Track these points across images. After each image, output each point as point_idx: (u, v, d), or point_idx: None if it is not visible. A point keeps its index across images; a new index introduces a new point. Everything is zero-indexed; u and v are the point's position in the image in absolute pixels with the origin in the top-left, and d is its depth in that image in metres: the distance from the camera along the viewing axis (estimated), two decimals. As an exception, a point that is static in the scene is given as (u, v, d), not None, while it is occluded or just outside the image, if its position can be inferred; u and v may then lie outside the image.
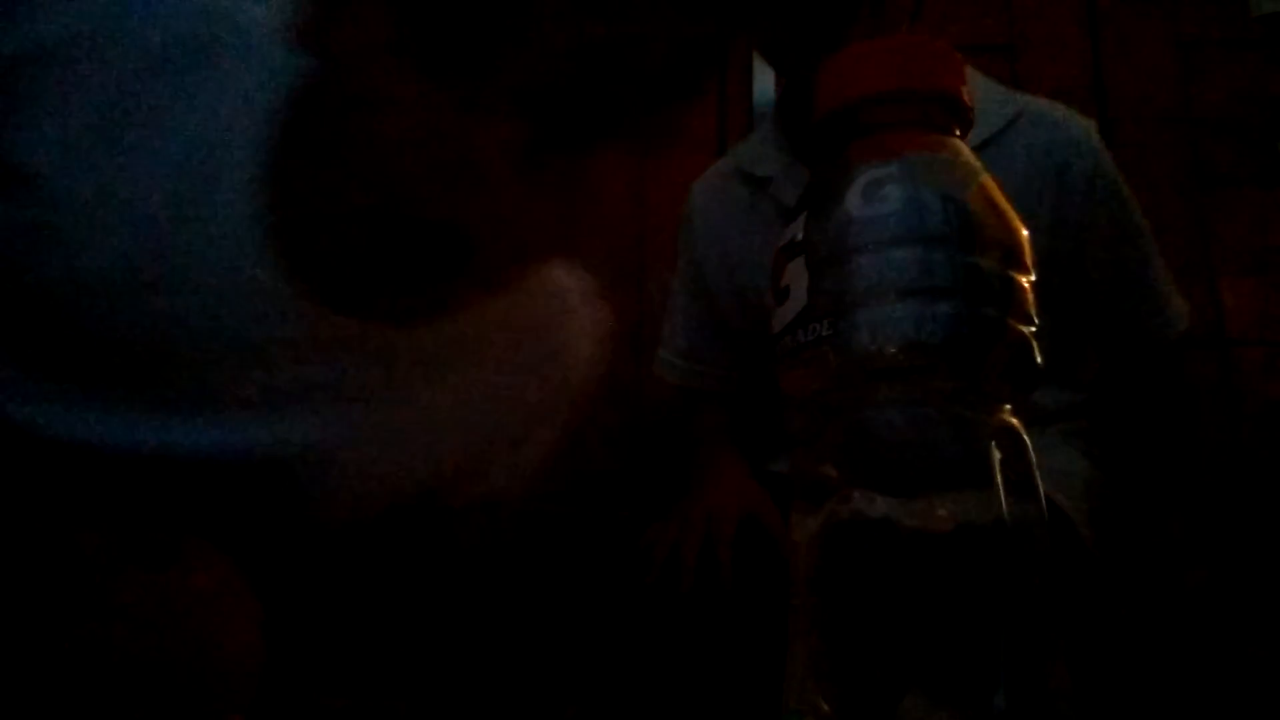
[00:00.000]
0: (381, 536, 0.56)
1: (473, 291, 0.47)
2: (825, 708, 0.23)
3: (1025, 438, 0.24)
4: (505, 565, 0.69)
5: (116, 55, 0.41)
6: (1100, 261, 0.82)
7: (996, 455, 0.23)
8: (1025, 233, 0.24)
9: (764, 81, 1.21)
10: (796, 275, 0.24)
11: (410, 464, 0.54)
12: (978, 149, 0.70)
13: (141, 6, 0.41)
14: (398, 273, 0.43)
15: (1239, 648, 0.75)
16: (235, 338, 0.44)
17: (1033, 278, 0.24)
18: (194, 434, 0.45)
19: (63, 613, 0.36)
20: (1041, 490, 0.23)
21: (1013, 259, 0.24)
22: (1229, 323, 1.12)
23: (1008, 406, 0.24)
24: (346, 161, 0.40)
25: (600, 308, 0.64)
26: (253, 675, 0.39)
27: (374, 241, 0.41)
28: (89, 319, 0.42)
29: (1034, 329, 0.24)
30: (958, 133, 0.25)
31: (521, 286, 0.54)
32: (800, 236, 0.25)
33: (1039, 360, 0.24)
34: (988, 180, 0.24)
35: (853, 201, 0.24)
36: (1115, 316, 0.84)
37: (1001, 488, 0.22)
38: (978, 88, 0.82)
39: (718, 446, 0.92)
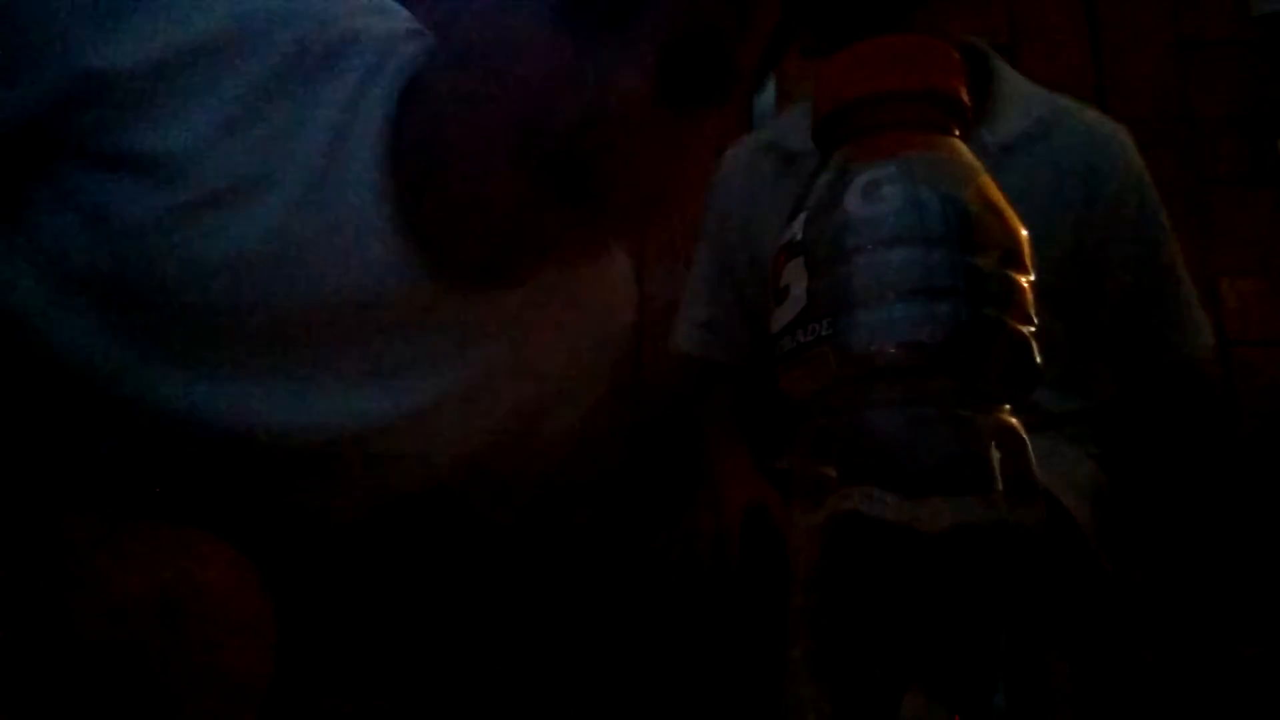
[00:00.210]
0: (393, 530, 0.56)
1: (592, 244, 0.50)
2: (826, 708, 0.23)
3: (1025, 438, 0.24)
4: (512, 562, 0.69)
5: (254, 55, 0.45)
6: (1123, 269, 0.81)
7: (996, 455, 0.23)
8: (1024, 232, 0.24)
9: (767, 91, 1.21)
10: (796, 275, 0.24)
11: (461, 432, 0.56)
12: (1009, 147, 0.70)
13: (271, 15, 0.46)
14: (524, 230, 0.45)
15: (1239, 648, 0.75)
16: (357, 308, 0.48)
17: (1032, 277, 0.24)
18: (299, 406, 0.49)
19: (59, 600, 0.37)
20: (1042, 490, 0.23)
21: (1012, 259, 0.24)
22: (1229, 323, 1.12)
23: (1007, 406, 0.24)
24: (480, 109, 0.43)
25: (633, 282, 0.66)
26: (260, 679, 0.39)
27: (509, 192, 0.43)
28: (224, 296, 0.45)
29: (1034, 329, 0.24)
30: (957, 132, 0.25)
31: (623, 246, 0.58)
32: (800, 236, 0.24)
33: (1038, 360, 0.24)
34: (986, 179, 0.24)
35: (851, 201, 0.24)
36: (1134, 329, 0.83)
37: (1001, 488, 0.22)
38: (1014, 87, 0.82)
39: (725, 437, 0.92)
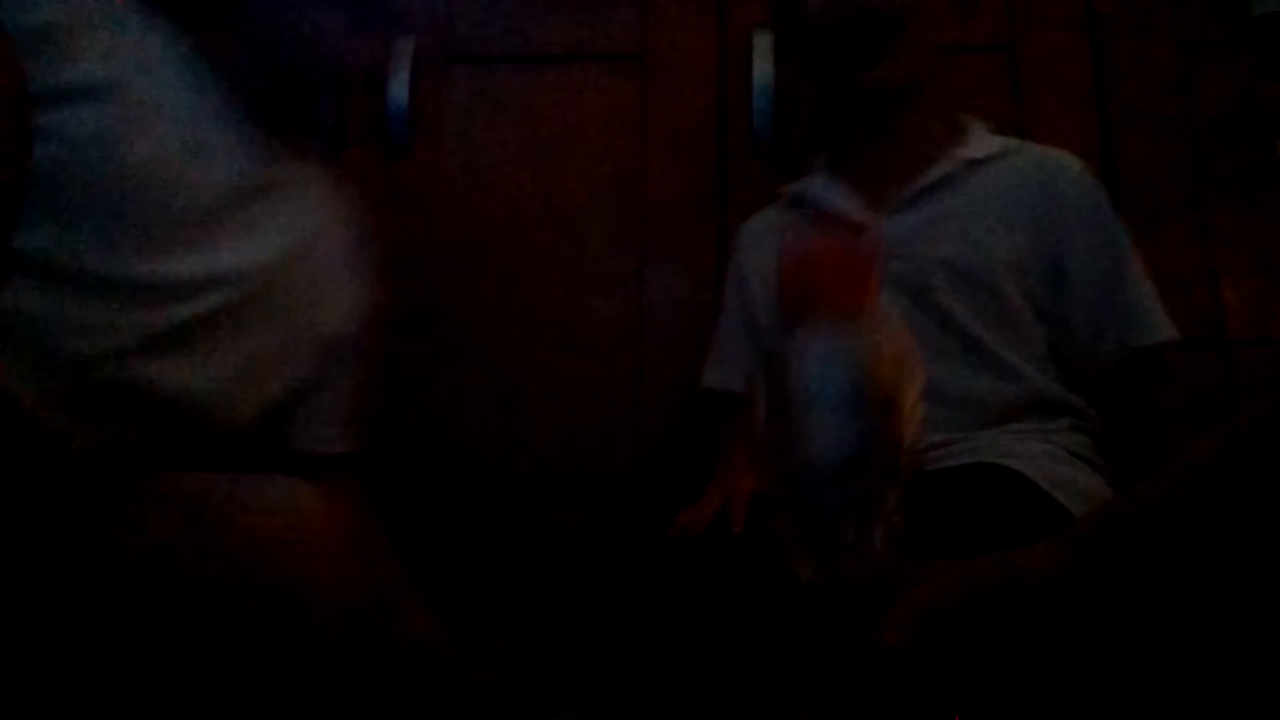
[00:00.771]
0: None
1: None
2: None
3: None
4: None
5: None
6: (1080, 266, 0.90)
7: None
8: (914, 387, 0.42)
9: (764, 80, 1.21)
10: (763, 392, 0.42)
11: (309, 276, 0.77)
12: (977, 161, 0.89)
13: None
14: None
15: (1239, 648, 0.74)
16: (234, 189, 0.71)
17: (915, 406, 0.42)
18: (168, 263, 0.65)
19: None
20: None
21: (890, 404, 0.40)
22: (1229, 323, 1.12)
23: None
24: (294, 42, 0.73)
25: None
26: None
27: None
28: (135, 193, 0.63)
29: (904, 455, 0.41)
30: (865, 311, 0.41)
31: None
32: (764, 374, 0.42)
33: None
34: (885, 342, 0.40)
35: (793, 363, 0.40)
36: (1096, 323, 0.89)
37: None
38: (982, 132, 0.98)
39: (737, 441, 0.99)
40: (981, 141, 0.96)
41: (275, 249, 0.73)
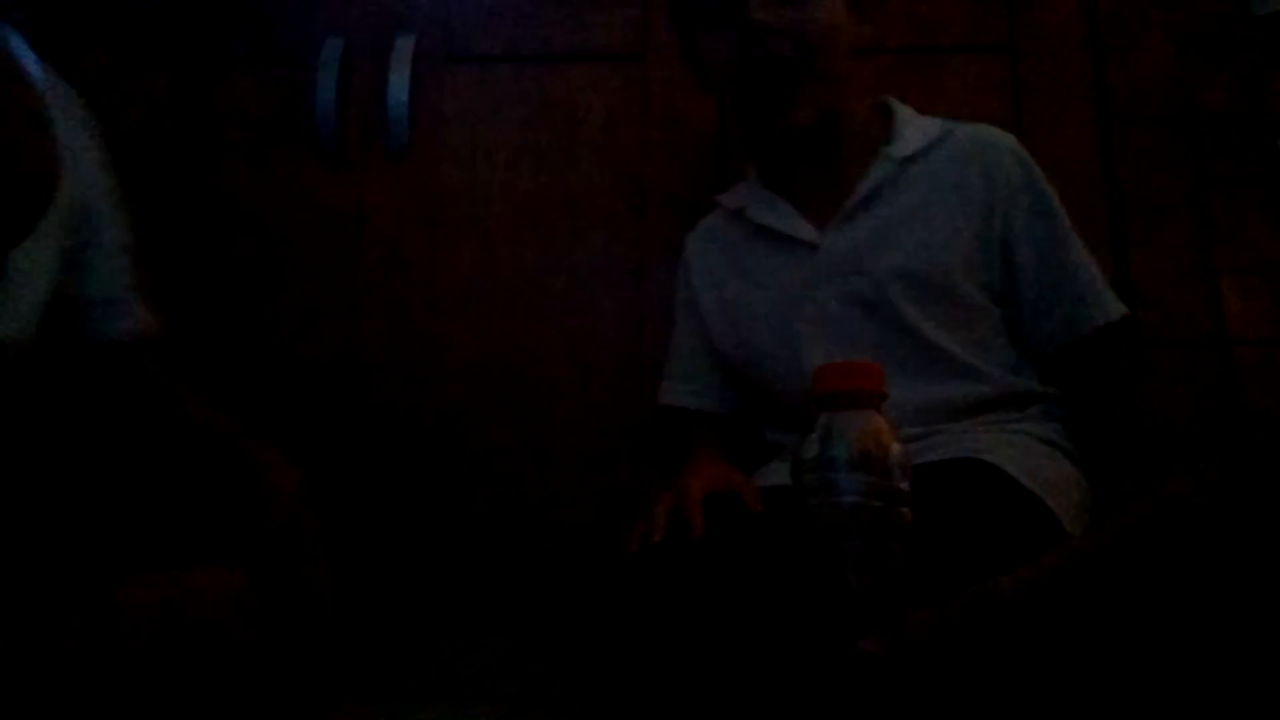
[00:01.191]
0: None
1: None
2: None
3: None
4: None
5: None
6: (1025, 252, 0.91)
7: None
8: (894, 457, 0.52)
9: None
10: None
11: None
12: (909, 158, 0.94)
13: None
14: None
15: (1239, 648, 0.74)
16: None
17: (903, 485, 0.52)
18: None
19: None
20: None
21: (887, 480, 0.52)
22: (1229, 323, 1.12)
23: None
24: None
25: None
26: None
27: None
28: None
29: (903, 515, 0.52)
30: (877, 404, 0.54)
31: None
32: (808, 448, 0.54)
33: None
34: (883, 428, 0.53)
35: (814, 440, 0.53)
36: (1044, 307, 0.90)
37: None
38: (910, 119, 0.97)
39: (698, 445, 1.01)
40: (909, 130, 0.95)
41: None
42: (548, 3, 1.30)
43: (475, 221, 1.25)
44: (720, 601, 0.69)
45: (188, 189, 1.26)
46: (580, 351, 1.20)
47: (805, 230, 0.94)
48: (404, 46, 1.25)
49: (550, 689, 1.11)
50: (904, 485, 0.52)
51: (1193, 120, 1.18)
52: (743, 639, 0.67)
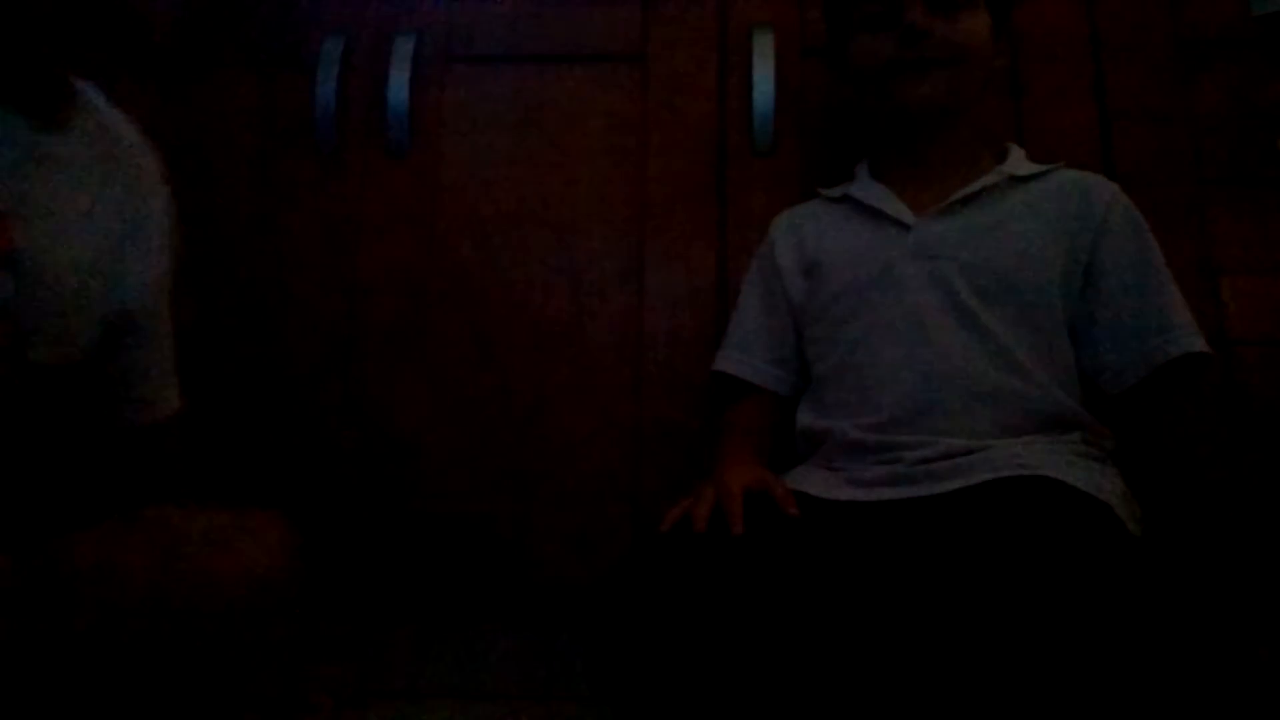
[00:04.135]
0: None
1: None
2: None
3: None
4: None
5: None
6: (1112, 280, 0.93)
7: None
8: None
9: (764, 80, 1.21)
10: None
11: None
12: (1021, 178, 1.00)
13: None
14: None
15: (1239, 648, 0.74)
16: None
17: None
18: None
19: None
20: None
21: None
22: (1229, 323, 1.12)
23: None
24: None
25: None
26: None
27: None
28: None
29: None
30: None
31: None
32: None
33: None
34: None
35: None
36: (1124, 335, 0.92)
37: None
38: (1024, 158, 1.02)
39: (737, 438, 1.01)
40: (1021, 163, 1.01)
41: (44, 229, 0.71)
42: (548, 3, 1.30)
43: (475, 221, 1.24)
44: (763, 601, 0.71)
45: (188, 189, 1.26)
46: (580, 351, 1.20)
47: (903, 212, 0.99)
48: (404, 46, 1.25)
49: (550, 689, 1.11)
50: None
51: (1193, 120, 1.18)
52: (782, 642, 0.68)
